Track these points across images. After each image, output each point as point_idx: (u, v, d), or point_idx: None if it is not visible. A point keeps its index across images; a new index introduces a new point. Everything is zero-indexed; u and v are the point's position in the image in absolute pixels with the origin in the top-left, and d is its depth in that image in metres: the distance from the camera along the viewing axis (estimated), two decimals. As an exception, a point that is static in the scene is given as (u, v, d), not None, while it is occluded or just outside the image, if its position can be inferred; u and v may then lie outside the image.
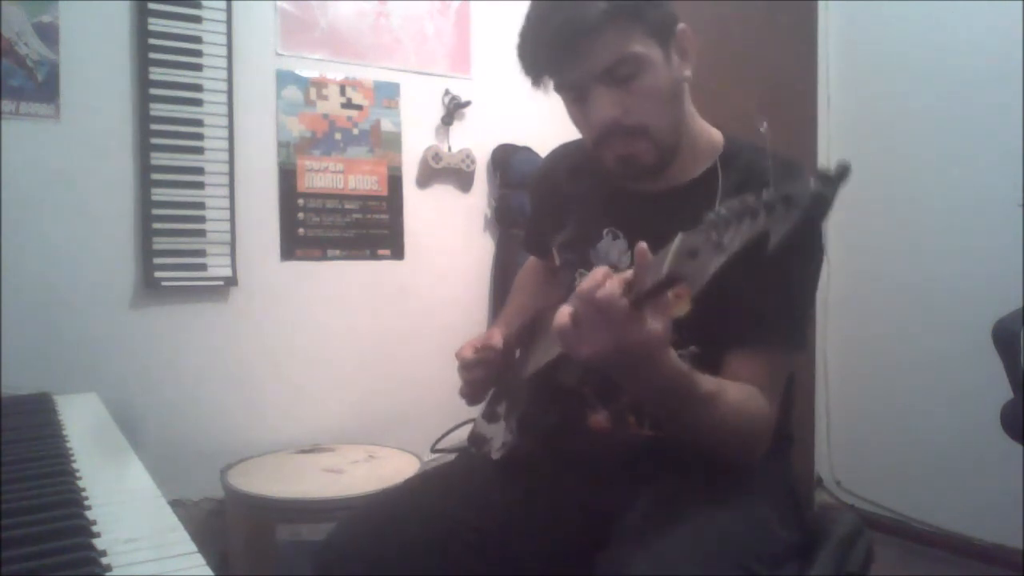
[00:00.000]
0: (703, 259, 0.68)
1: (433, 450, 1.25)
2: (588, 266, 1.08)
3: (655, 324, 0.77)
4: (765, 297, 0.93)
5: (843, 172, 0.61)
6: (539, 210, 1.27)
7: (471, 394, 1.15)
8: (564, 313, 0.81)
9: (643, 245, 0.78)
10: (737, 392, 0.91)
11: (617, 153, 1.00)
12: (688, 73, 1.02)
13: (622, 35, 0.95)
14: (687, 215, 0.98)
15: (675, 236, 0.97)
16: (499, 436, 1.09)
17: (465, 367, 1.13)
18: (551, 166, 1.23)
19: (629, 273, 0.78)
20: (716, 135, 1.08)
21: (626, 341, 0.77)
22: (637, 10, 0.95)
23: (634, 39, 0.95)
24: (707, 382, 0.87)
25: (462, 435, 1.23)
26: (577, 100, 1.00)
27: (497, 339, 1.14)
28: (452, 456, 1.21)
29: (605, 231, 1.08)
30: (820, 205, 0.62)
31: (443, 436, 1.25)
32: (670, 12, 1.00)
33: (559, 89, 1.02)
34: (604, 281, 0.77)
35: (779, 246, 0.62)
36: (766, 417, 0.95)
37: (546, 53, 0.98)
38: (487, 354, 1.12)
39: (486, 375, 1.13)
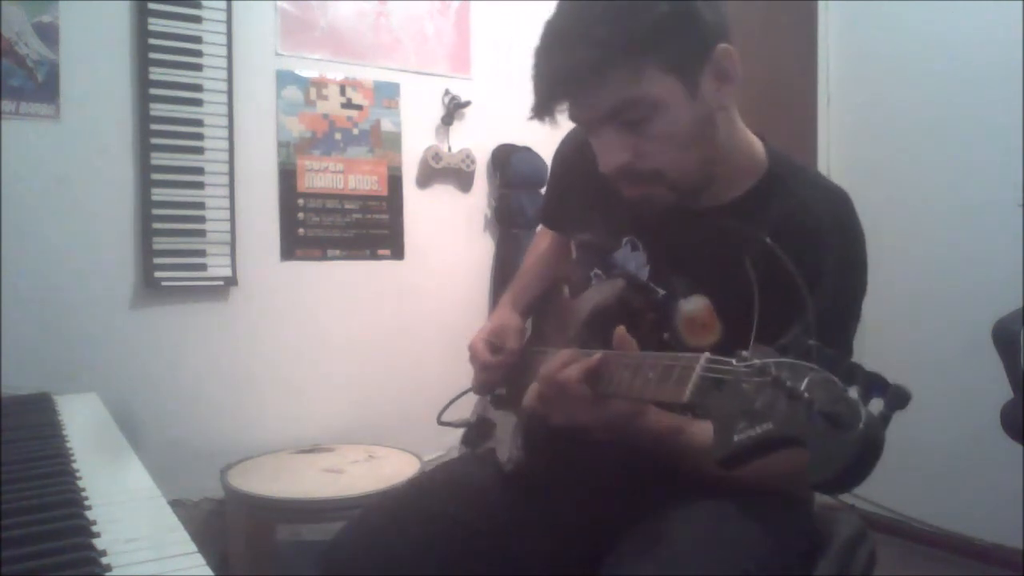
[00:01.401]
0: (730, 405, 0.61)
1: (440, 422, 1.25)
2: (604, 268, 1.06)
3: (622, 405, 0.80)
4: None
5: (904, 400, 0.53)
6: (562, 187, 1.18)
7: (485, 391, 1.17)
8: (534, 388, 0.86)
9: (622, 330, 0.81)
10: None
11: (630, 194, 0.94)
12: (727, 100, 0.91)
13: (629, 75, 0.84)
14: (718, 242, 0.94)
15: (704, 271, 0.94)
16: (506, 445, 1.08)
17: (484, 368, 1.12)
18: (584, 147, 1.07)
19: (596, 359, 0.80)
20: (758, 151, 0.98)
21: (592, 420, 0.82)
22: (651, 43, 0.83)
23: (645, 78, 0.84)
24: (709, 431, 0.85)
25: (465, 407, 1.23)
26: (589, 134, 0.94)
27: (514, 339, 1.13)
28: (459, 430, 1.21)
29: (625, 240, 1.04)
30: (871, 450, 0.52)
31: (447, 406, 1.25)
32: (704, 34, 0.86)
33: (572, 121, 0.94)
34: (566, 365, 0.81)
35: (815, 480, 0.54)
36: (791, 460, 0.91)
37: (549, 94, 0.90)
38: (509, 359, 1.11)
39: (504, 376, 1.13)
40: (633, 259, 1.03)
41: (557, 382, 0.82)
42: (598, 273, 1.07)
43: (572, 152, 1.13)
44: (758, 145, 0.99)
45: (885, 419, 0.53)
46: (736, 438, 0.60)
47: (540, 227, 1.33)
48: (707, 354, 0.67)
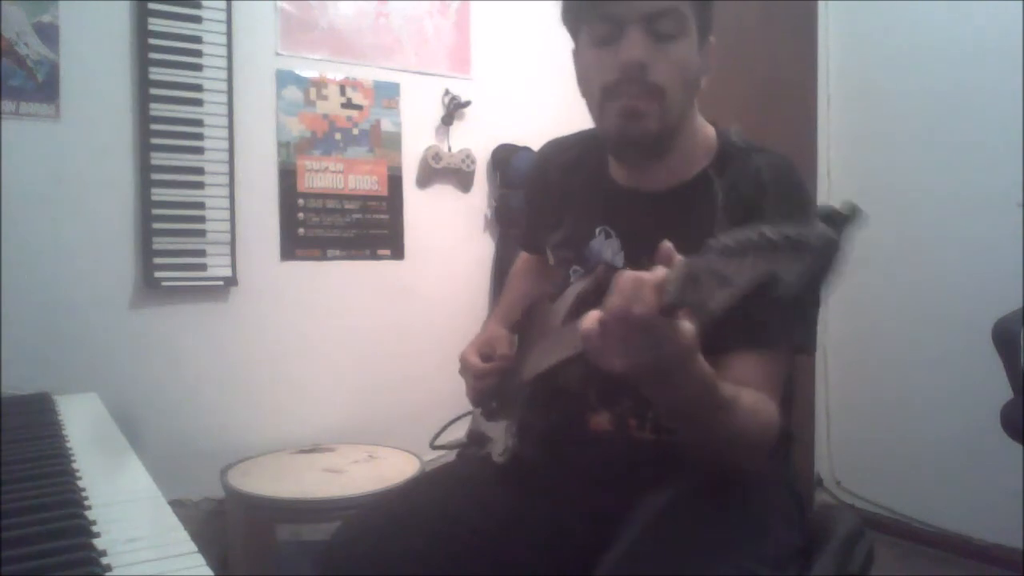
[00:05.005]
0: (706, 289, 0.64)
1: (432, 446, 1.25)
2: (582, 263, 1.08)
3: (689, 330, 0.71)
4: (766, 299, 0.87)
5: (852, 213, 0.60)
6: (533, 208, 1.25)
7: (479, 400, 1.16)
8: (592, 319, 0.73)
9: (667, 244, 0.71)
10: (749, 397, 0.88)
11: (625, 104, 0.95)
12: (703, 81, 1.01)
13: None
14: (681, 219, 0.99)
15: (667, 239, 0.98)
16: (500, 439, 1.09)
17: (477, 376, 1.13)
18: (544, 163, 1.21)
19: (660, 273, 0.69)
20: (710, 133, 1.06)
21: (662, 352, 0.71)
22: None
23: (684, 5, 0.94)
24: (726, 387, 0.83)
25: (460, 429, 1.24)
26: (605, 40, 0.95)
27: (505, 346, 1.14)
28: (452, 452, 1.21)
29: (598, 229, 1.07)
30: (830, 250, 0.60)
31: (441, 431, 1.25)
32: (712, 14, 0.99)
33: (593, 21, 0.97)
34: (636, 289, 0.69)
35: (790, 290, 0.60)
36: (775, 421, 0.92)
37: None
38: (502, 364, 1.11)
39: (497, 383, 1.13)
40: (609, 246, 1.06)
41: (632, 313, 0.69)
42: (577, 269, 1.09)
43: (535, 175, 1.22)
44: (710, 130, 1.07)
45: (840, 227, 0.61)
46: (712, 305, 0.64)
47: (521, 253, 1.36)
48: (684, 259, 0.69)
